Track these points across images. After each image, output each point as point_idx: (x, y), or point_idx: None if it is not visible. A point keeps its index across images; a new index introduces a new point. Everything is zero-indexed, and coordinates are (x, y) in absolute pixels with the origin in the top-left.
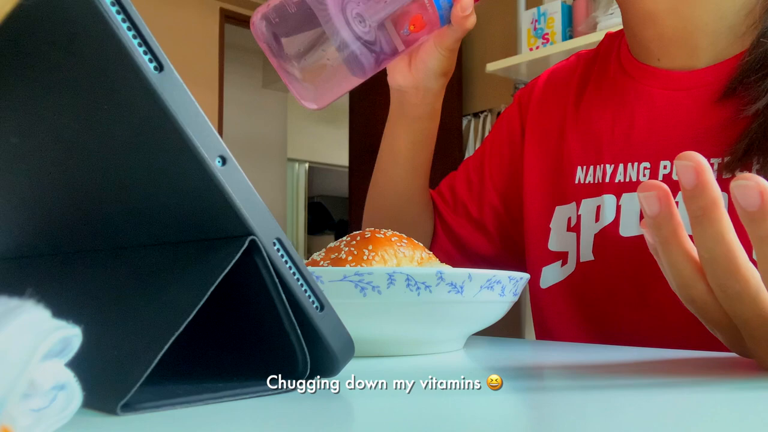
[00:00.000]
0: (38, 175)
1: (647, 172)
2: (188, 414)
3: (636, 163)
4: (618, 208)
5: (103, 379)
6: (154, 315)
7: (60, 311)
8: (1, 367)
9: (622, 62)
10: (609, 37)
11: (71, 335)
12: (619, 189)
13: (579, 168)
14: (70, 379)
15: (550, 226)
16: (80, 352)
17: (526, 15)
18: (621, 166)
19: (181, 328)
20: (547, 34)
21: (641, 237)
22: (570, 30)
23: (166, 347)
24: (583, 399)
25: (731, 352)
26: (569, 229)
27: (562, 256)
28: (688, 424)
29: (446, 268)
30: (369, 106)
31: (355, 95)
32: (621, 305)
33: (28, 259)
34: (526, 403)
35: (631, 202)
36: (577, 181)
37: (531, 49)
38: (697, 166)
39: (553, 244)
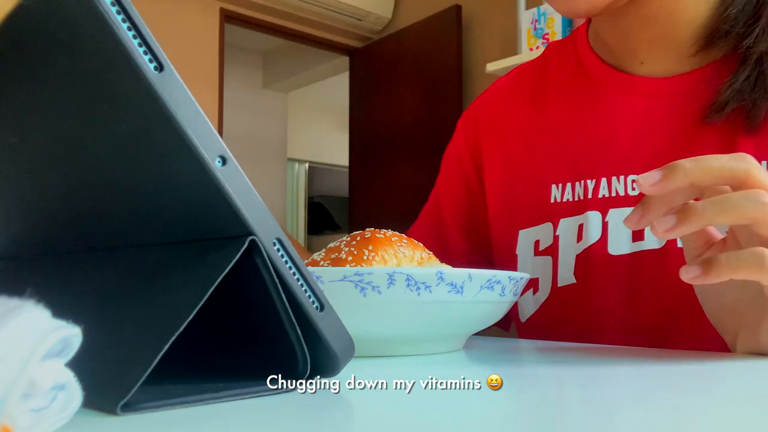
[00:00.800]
0: (38, 175)
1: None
2: (188, 414)
3: (622, 177)
4: (605, 225)
5: (103, 379)
6: (154, 315)
7: (60, 311)
8: (1, 367)
9: (589, 72)
10: (553, 47)
11: (71, 335)
12: (605, 205)
13: (554, 186)
14: (70, 379)
15: (516, 252)
16: (80, 352)
17: (526, 15)
18: (604, 181)
19: (181, 328)
20: (547, 34)
21: (634, 255)
22: (570, 30)
23: (166, 347)
24: (583, 399)
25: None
26: (538, 253)
27: (533, 284)
28: (688, 424)
29: (446, 268)
30: (369, 106)
31: (355, 95)
32: (610, 329)
33: (28, 259)
34: (526, 403)
35: (619, 217)
36: (552, 200)
37: (531, 49)
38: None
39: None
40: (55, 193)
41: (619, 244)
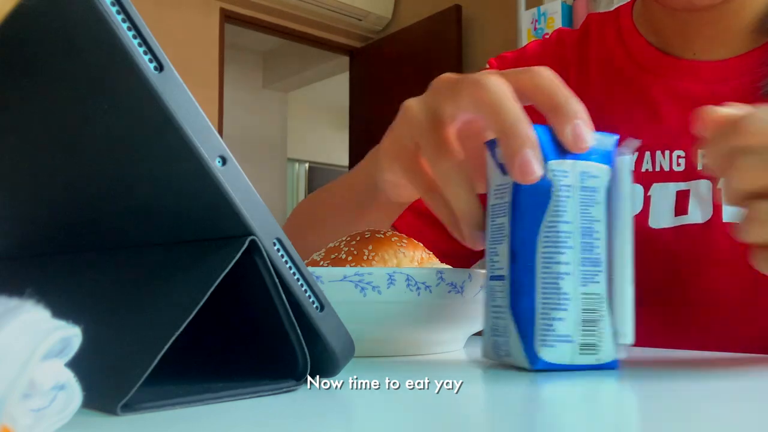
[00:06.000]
0: (38, 175)
1: (682, 161)
2: (188, 414)
3: (667, 152)
4: (647, 199)
5: (103, 379)
6: (155, 315)
7: (60, 311)
8: (1, 367)
9: (634, 55)
10: (594, 20)
11: (71, 335)
12: (648, 178)
13: None
14: (70, 379)
15: None
16: (80, 352)
17: (526, 15)
18: (647, 155)
19: (181, 328)
20: (547, 34)
21: (675, 229)
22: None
23: (167, 347)
24: (583, 398)
25: None
26: None
27: None
28: (689, 425)
29: (446, 268)
30: (369, 106)
31: (355, 95)
32: (650, 303)
33: (28, 259)
34: (527, 403)
35: (663, 192)
36: None
37: None
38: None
39: None
40: (55, 193)
41: (661, 218)
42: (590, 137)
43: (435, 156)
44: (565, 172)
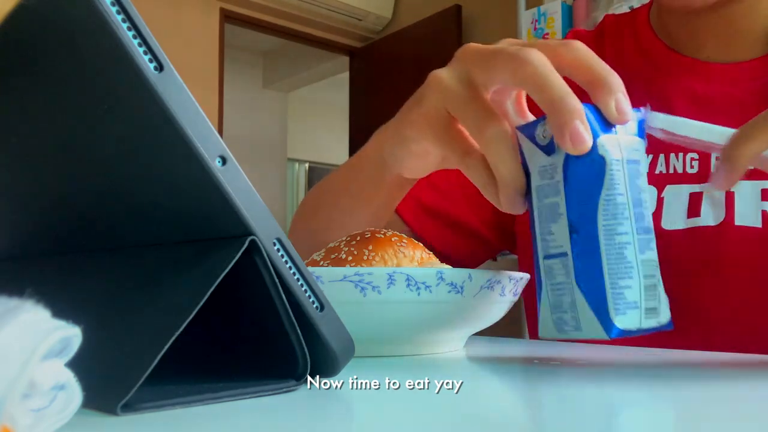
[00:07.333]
0: (38, 175)
1: (695, 163)
2: (188, 414)
3: (681, 154)
4: (660, 200)
5: (103, 379)
6: (154, 315)
7: (60, 311)
8: (1, 367)
9: (651, 56)
10: (610, 21)
11: (71, 335)
12: (661, 180)
13: None
14: (70, 379)
15: None
16: (80, 352)
17: (526, 15)
18: (662, 157)
19: (181, 328)
20: (547, 34)
21: (688, 231)
22: (570, 29)
23: (166, 347)
24: (583, 398)
25: None
26: None
27: None
28: (690, 425)
29: (446, 268)
30: (369, 106)
31: (355, 95)
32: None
33: (28, 259)
34: (527, 403)
35: (676, 194)
36: None
37: None
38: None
39: None
40: (55, 193)
41: (674, 219)
42: (631, 110)
43: (482, 121)
44: (614, 146)
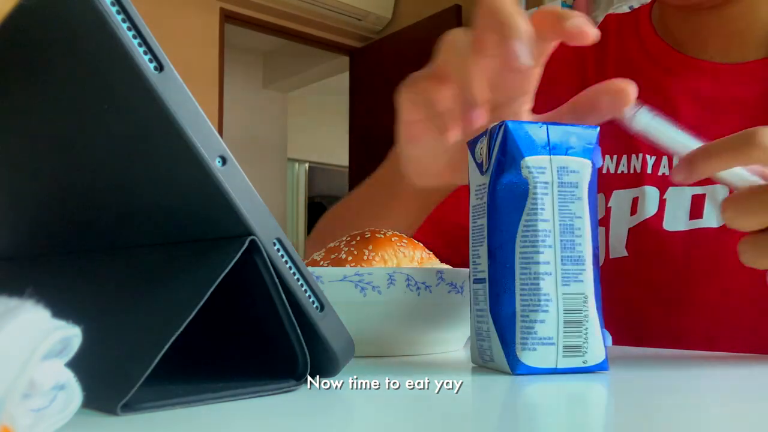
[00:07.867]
0: (38, 175)
1: None
2: (188, 414)
3: None
4: (662, 202)
5: (103, 379)
6: (155, 315)
7: (60, 311)
8: (1, 367)
9: (653, 56)
10: (612, 20)
11: (71, 335)
12: (664, 182)
13: (606, 156)
14: (70, 379)
15: None
16: (80, 352)
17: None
18: (665, 159)
19: (181, 328)
20: None
21: (690, 232)
22: None
23: (167, 347)
24: (584, 398)
25: None
26: None
27: None
28: (689, 425)
29: (446, 268)
30: (369, 106)
31: (355, 95)
32: (662, 305)
33: (28, 259)
34: (527, 403)
35: (678, 195)
36: (605, 171)
37: None
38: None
39: None
40: (55, 193)
41: (676, 221)
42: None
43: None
44: (542, 168)
